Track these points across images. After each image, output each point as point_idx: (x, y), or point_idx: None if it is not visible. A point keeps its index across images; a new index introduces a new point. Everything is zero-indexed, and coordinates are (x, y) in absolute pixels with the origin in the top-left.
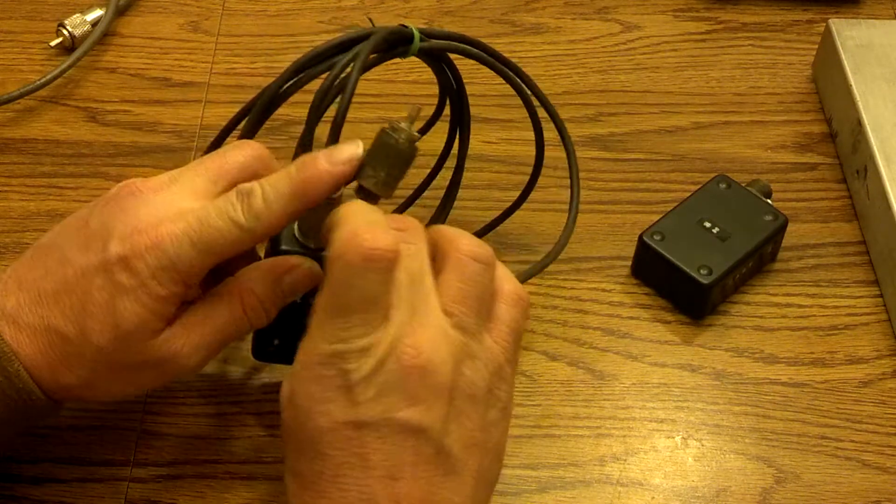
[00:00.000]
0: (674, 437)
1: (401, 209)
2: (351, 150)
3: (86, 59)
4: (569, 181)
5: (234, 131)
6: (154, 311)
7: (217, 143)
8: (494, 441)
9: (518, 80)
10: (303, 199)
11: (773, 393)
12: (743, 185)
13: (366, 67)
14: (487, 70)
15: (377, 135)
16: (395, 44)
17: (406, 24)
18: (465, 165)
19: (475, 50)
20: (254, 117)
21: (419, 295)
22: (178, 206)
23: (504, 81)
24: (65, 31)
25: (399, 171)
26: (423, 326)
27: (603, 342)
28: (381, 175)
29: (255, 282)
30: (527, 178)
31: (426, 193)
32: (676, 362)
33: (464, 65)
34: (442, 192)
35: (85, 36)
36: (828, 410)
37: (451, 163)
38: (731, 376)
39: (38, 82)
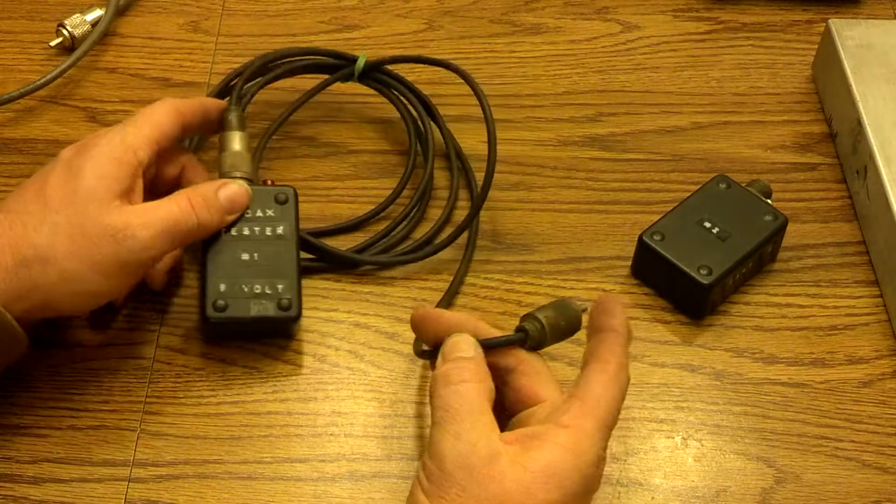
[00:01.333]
0: (674, 438)
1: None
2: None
3: (86, 59)
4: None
5: None
6: (108, 173)
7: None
8: None
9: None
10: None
11: (772, 393)
12: (743, 185)
13: (315, 91)
14: (486, 70)
15: (563, 299)
16: (338, 68)
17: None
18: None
19: (413, 56)
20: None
21: None
22: None
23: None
24: (65, 31)
25: (555, 336)
26: None
27: None
28: (541, 320)
29: (201, 186)
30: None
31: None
32: (676, 362)
33: (464, 66)
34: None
35: (85, 36)
36: (828, 411)
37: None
38: (730, 376)
39: (38, 82)
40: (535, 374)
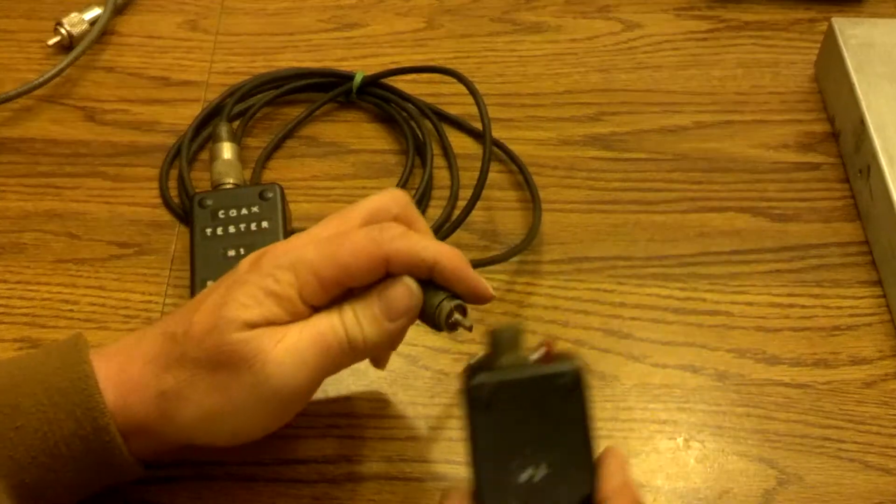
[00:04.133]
0: (676, 439)
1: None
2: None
3: (84, 58)
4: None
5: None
6: (259, 302)
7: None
8: None
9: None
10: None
11: (775, 394)
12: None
13: (312, 111)
14: (487, 69)
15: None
16: (335, 85)
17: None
18: (462, 165)
19: (408, 67)
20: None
21: None
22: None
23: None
24: (63, 30)
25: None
26: None
27: (604, 343)
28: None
29: (361, 295)
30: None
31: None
32: (678, 363)
33: (464, 65)
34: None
35: (83, 35)
36: (830, 411)
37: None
38: (733, 377)
39: (36, 81)
40: None
